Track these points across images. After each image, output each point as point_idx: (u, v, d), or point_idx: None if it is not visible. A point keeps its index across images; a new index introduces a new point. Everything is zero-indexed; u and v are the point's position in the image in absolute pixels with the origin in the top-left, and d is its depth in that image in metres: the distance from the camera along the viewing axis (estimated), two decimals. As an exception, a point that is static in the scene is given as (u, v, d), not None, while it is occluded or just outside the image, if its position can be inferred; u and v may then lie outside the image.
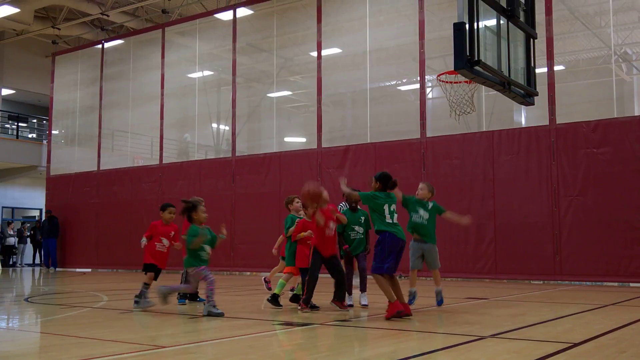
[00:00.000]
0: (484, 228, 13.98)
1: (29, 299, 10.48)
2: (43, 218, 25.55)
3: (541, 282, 13.17)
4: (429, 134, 15.01)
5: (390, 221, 7.12)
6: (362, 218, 8.31)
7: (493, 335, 5.70)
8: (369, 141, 16.01)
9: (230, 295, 10.39)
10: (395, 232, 7.06)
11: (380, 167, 15.60)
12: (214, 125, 21.14)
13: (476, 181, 14.23)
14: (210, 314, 7.14)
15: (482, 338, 5.58)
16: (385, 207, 7.14)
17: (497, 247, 13.78)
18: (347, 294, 8.07)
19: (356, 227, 8.27)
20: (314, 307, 7.76)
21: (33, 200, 28.20)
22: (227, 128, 19.70)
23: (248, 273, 17.32)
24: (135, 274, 18.92)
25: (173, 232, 8.44)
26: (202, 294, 8.79)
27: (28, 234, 26.43)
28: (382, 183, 7.35)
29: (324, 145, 16.59)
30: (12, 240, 25.94)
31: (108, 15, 22.12)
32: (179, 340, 5.75)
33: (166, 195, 19.46)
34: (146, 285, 8.14)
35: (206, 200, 20.19)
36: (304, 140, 19.66)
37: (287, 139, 19.86)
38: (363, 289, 8.26)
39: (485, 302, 9.17)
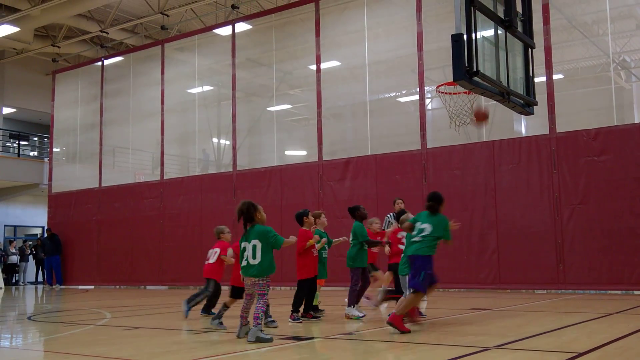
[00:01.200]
0: (486, 238, 13.95)
1: (31, 317, 10.45)
2: (44, 236, 25.53)
3: (545, 291, 13.12)
4: (429, 145, 15.03)
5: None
6: None
7: (498, 346, 5.68)
8: (369, 153, 16.02)
9: (233, 310, 10.35)
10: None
11: (382, 179, 15.60)
12: (215, 140, 21.17)
13: (478, 191, 14.21)
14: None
15: (486, 349, 5.55)
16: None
17: (500, 257, 13.73)
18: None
19: None
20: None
21: (35, 218, 28.18)
22: (227, 142, 19.74)
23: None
24: (138, 290, 18.88)
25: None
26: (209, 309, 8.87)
27: (29, 252, 26.36)
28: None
29: (324, 158, 16.61)
30: (14, 259, 25.90)
31: (107, 33, 22.23)
32: (183, 356, 5.73)
33: (167, 211, 19.48)
34: (226, 307, 8.17)
35: (207, 216, 20.26)
36: (304, 153, 19.67)
37: (287, 153, 19.86)
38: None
39: (489, 312, 9.13)
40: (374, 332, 7.14)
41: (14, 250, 25.90)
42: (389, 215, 11.38)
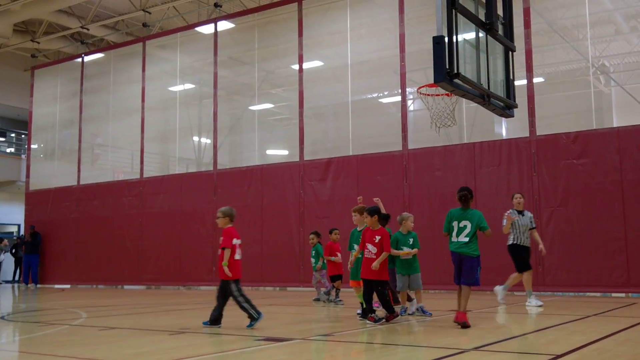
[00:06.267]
0: (466, 240, 13.95)
1: (5, 317, 10.29)
2: (21, 233, 25.16)
3: (523, 293, 13.16)
4: (410, 146, 15.05)
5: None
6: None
7: (476, 348, 5.67)
8: (351, 153, 16.01)
9: (209, 310, 10.27)
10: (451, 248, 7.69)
11: (363, 179, 15.60)
12: (196, 138, 21.05)
13: (458, 193, 14.23)
14: None
15: (464, 351, 5.55)
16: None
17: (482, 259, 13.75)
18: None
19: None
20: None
21: (11, 215, 27.81)
22: (208, 141, 19.63)
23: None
24: (115, 290, 18.69)
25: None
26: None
27: (8, 250, 25.93)
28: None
29: (306, 157, 16.56)
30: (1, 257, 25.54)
31: (88, 29, 22.00)
32: (159, 357, 5.65)
33: (147, 209, 19.31)
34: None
35: (188, 215, 20.10)
36: (286, 152, 19.62)
37: (269, 152, 19.80)
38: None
39: (467, 314, 9.13)
40: (351, 334, 7.10)
41: (5, 249, 25.50)
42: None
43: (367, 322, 7.78)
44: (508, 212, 10.21)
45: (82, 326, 8.43)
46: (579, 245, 12.81)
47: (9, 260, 25.78)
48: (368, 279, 7.84)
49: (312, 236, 12.06)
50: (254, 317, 7.40)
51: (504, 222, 10.05)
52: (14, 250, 24.27)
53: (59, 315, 10.29)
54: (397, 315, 7.99)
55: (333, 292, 11.45)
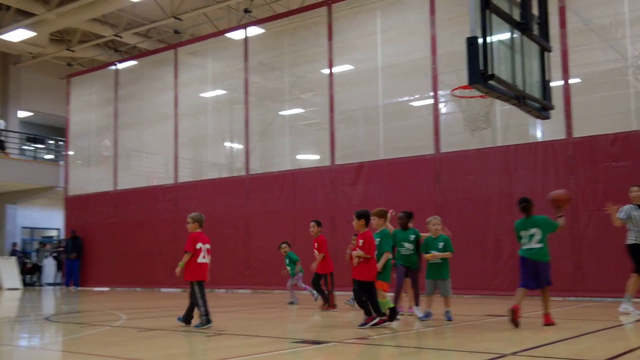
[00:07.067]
0: (501, 244, 13.81)
1: (49, 318, 10.49)
2: (61, 237, 25.71)
3: (562, 298, 12.95)
4: (442, 150, 14.92)
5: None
6: (412, 236, 8.96)
7: (514, 353, 5.59)
8: (382, 157, 15.94)
9: (246, 313, 10.32)
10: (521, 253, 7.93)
11: (394, 184, 15.53)
12: (227, 143, 21.20)
13: (492, 197, 14.08)
14: None
15: (503, 356, 5.48)
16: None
17: (515, 264, 13.41)
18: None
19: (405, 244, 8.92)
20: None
21: (51, 220, 28.37)
22: (240, 146, 19.76)
23: (263, 291, 17.23)
24: (152, 292, 18.90)
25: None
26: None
27: (50, 254, 26.51)
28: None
29: (337, 162, 16.56)
30: (44, 261, 26.23)
31: (121, 37, 22.36)
32: (197, 358, 5.70)
33: (181, 214, 19.49)
34: None
35: (221, 219, 20.23)
36: (317, 157, 19.61)
37: (300, 157, 19.81)
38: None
39: (504, 319, 9.01)
40: (387, 337, 7.07)
41: (47, 253, 26.18)
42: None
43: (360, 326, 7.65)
44: (624, 207, 9.69)
45: (122, 327, 8.57)
46: (618, 249, 12.42)
47: (50, 263, 26.35)
48: (355, 279, 7.83)
49: (284, 245, 12.56)
50: (203, 322, 8.02)
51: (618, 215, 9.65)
52: (56, 255, 24.76)
53: (99, 317, 10.47)
54: (385, 320, 7.71)
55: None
